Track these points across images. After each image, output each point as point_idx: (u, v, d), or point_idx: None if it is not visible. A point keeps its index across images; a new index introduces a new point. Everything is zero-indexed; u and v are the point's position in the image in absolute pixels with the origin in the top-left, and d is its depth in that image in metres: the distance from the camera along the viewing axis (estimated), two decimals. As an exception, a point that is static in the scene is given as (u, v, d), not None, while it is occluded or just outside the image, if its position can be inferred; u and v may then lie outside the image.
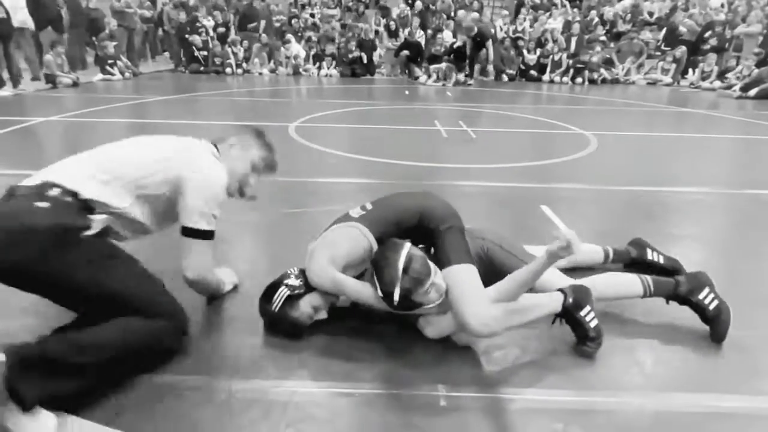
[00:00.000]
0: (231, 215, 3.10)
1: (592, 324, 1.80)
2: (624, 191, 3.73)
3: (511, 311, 1.75)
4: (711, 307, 1.88)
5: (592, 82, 10.80)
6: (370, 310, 1.82)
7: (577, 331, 1.82)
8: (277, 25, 12.79)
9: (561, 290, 1.85)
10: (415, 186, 3.68)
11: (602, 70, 10.95)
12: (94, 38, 10.90)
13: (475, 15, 12.35)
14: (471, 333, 1.70)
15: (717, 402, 1.59)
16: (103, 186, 1.64)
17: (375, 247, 1.83)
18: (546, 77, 11.10)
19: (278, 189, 3.63)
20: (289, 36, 11.77)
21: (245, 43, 11.70)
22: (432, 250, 1.86)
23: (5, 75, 8.05)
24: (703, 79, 10.53)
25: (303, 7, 14.15)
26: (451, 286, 1.71)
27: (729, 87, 9.69)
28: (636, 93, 9.84)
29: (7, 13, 8.02)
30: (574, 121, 6.42)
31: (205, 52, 11.46)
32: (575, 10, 13.52)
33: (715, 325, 1.87)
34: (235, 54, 11.46)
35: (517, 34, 11.79)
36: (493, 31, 11.54)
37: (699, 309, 1.91)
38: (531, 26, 12.22)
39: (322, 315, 1.86)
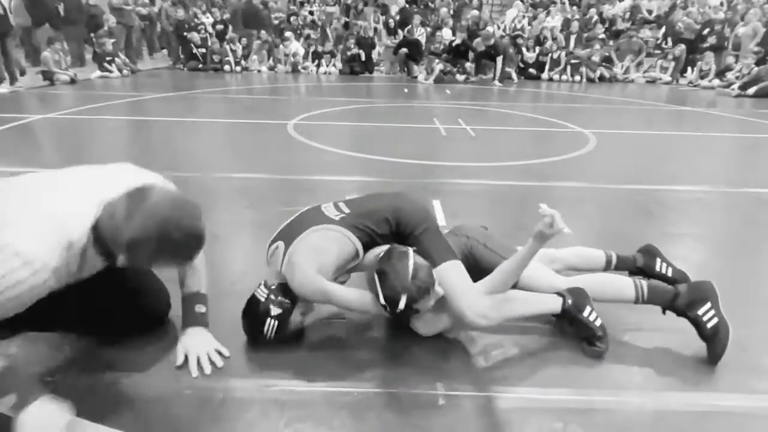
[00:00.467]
0: (228, 213, 3.10)
1: (597, 323, 1.79)
2: (623, 189, 3.72)
3: (505, 300, 1.76)
4: (709, 325, 1.73)
5: (590, 80, 10.79)
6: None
7: (583, 332, 1.80)
8: (276, 22, 12.76)
9: (558, 293, 1.85)
10: (415, 185, 3.68)
11: (601, 69, 10.93)
12: (92, 35, 10.87)
13: (475, 13, 12.34)
14: (469, 325, 1.70)
15: (716, 401, 1.58)
16: None
17: (361, 252, 1.81)
18: (545, 75, 11.09)
19: (277, 187, 3.62)
20: (288, 33, 11.75)
21: (244, 40, 11.67)
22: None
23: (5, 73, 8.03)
24: (702, 77, 10.53)
25: (302, 4, 14.12)
26: (443, 284, 1.70)
27: (728, 85, 9.69)
28: (635, 91, 9.84)
29: (5, 9, 7.98)
30: (573, 120, 6.41)
31: (204, 50, 11.43)
32: (574, 8, 13.51)
33: (712, 345, 1.74)
34: (233, 51, 11.43)
35: (516, 32, 11.77)
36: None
37: (696, 325, 1.77)
38: (529, 24, 12.20)
39: (309, 315, 1.84)
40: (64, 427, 1.27)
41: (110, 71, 9.88)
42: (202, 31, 11.48)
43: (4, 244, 1.19)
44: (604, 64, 11.02)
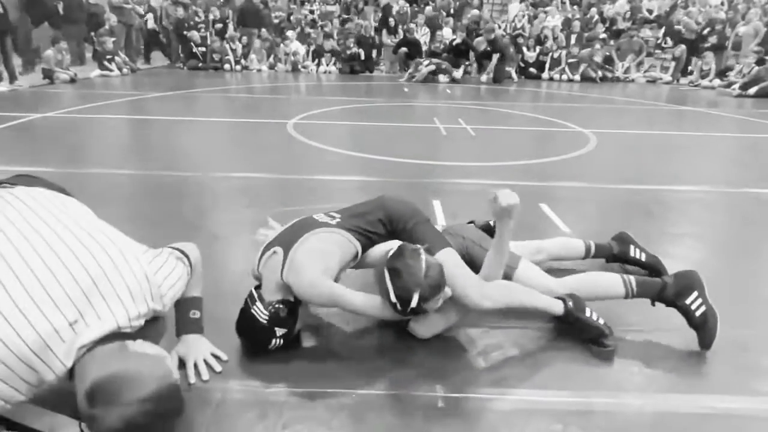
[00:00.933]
0: (227, 213, 3.10)
1: (601, 321, 1.80)
2: (623, 189, 3.72)
3: (507, 286, 1.80)
4: (698, 313, 1.79)
5: (591, 80, 10.78)
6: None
7: (589, 333, 1.80)
8: (276, 21, 12.74)
9: (558, 297, 1.86)
10: (415, 185, 3.67)
11: (602, 69, 10.92)
12: (92, 34, 10.86)
13: (475, 13, 12.33)
14: (474, 307, 1.72)
15: (715, 403, 1.57)
16: None
17: (360, 253, 1.82)
18: (545, 75, 11.08)
19: (276, 186, 3.61)
20: (288, 32, 11.73)
21: (244, 39, 11.66)
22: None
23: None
24: (703, 77, 10.51)
25: (302, 3, 14.11)
26: (444, 270, 1.70)
27: (728, 85, 9.68)
28: (635, 91, 9.82)
29: (4, 8, 7.97)
30: (574, 119, 6.41)
31: (204, 48, 11.41)
32: (575, 7, 13.49)
33: (702, 333, 1.79)
34: (233, 50, 11.42)
35: (517, 32, 11.76)
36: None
37: (685, 314, 1.83)
38: (530, 23, 12.19)
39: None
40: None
41: (110, 70, 9.88)
42: (202, 30, 11.46)
43: None
44: (604, 64, 11.00)
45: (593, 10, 12.64)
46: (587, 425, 1.47)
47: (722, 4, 12.73)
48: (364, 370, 1.69)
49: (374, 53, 11.87)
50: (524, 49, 11.37)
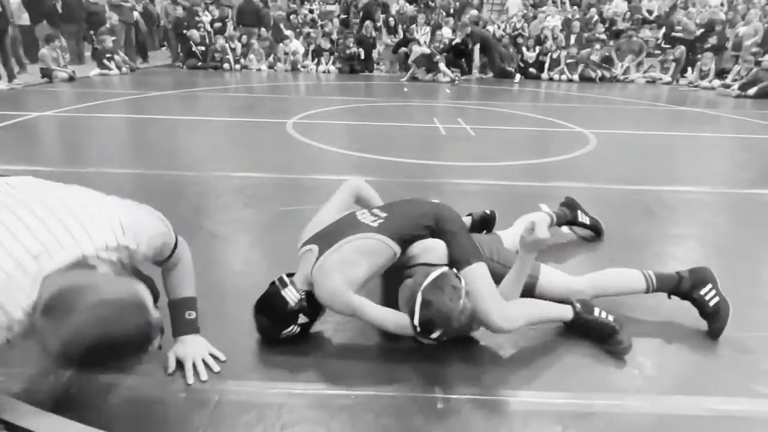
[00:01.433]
0: (226, 212, 3.09)
1: (610, 318, 1.82)
2: (623, 190, 3.71)
3: (524, 305, 1.79)
4: (711, 303, 1.89)
5: (590, 80, 10.78)
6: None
7: (600, 331, 1.82)
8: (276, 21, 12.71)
9: (566, 302, 1.88)
10: (414, 184, 3.66)
11: (601, 69, 10.91)
12: (92, 32, 10.84)
13: (474, 13, 12.31)
14: (494, 329, 1.71)
15: (717, 405, 1.57)
16: None
17: (399, 253, 1.81)
18: (545, 75, 11.07)
19: (275, 186, 3.60)
20: (287, 32, 11.71)
21: (244, 38, 11.64)
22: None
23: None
24: (702, 78, 10.51)
25: (302, 2, 14.09)
26: (471, 285, 1.69)
27: (728, 86, 9.67)
28: (635, 91, 9.82)
29: (3, 6, 7.96)
30: (573, 119, 6.40)
31: (203, 48, 11.39)
32: (575, 7, 13.49)
33: (714, 321, 1.88)
34: (233, 50, 11.40)
35: (517, 32, 11.75)
36: (491, 33, 11.41)
37: (699, 305, 1.92)
38: (527, 22, 12.17)
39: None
40: None
41: (109, 69, 9.86)
42: (202, 29, 11.44)
43: None
44: (603, 65, 11.00)
45: (593, 10, 12.63)
46: (587, 427, 1.46)
47: (722, 4, 12.73)
48: (363, 371, 1.68)
49: (374, 53, 11.85)
50: (524, 49, 11.37)
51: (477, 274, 1.74)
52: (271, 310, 1.73)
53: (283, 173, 3.89)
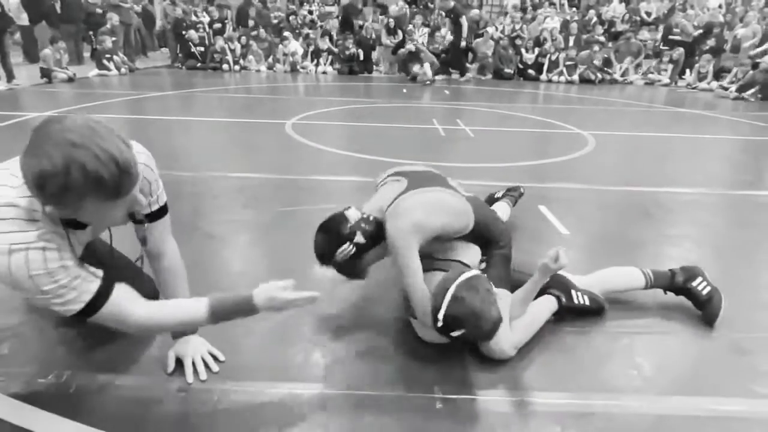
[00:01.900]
0: (225, 213, 3.09)
1: (586, 300, 1.97)
2: (621, 191, 3.72)
3: (528, 325, 1.82)
4: (704, 293, 2.01)
5: (589, 81, 10.79)
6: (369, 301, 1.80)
7: (585, 310, 1.97)
8: (275, 21, 12.72)
9: (547, 293, 1.94)
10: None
11: (600, 71, 10.94)
12: (91, 33, 10.83)
13: (475, 12, 12.32)
14: (499, 356, 1.72)
15: (716, 405, 1.57)
16: None
17: (467, 231, 1.82)
18: (543, 77, 11.09)
19: (274, 187, 3.60)
20: (287, 33, 11.72)
21: (243, 39, 11.64)
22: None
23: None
24: (700, 79, 10.54)
25: (301, 3, 14.09)
26: None
27: (726, 88, 9.69)
28: (634, 93, 9.84)
29: (2, 6, 7.95)
30: (572, 121, 6.41)
31: (202, 48, 11.39)
32: (573, 9, 13.51)
33: (708, 308, 1.99)
34: (232, 50, 11.40)
35: (516, 33, 11.77)
36: (490, 34, 11.42)
37: (693, 296, 2.03)
38: (524, 23, 12.19)
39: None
40: None
41: (108, 69, 9.85)
42: (201, 30, 11.44)
43: None
44: (605, 68, 11.02)
45: (591, 12, 12.66)
46: (586, 427, 1.47)
47: (720, 7, 12.76)
48: (363, 372, 1.68)
49: (373, 54, 11.85)
50: (523, 50, 11.38)
51: (500, 299, 1.75)
52: (329, 228, 1.76)
53: (281, 174, 3.89)
